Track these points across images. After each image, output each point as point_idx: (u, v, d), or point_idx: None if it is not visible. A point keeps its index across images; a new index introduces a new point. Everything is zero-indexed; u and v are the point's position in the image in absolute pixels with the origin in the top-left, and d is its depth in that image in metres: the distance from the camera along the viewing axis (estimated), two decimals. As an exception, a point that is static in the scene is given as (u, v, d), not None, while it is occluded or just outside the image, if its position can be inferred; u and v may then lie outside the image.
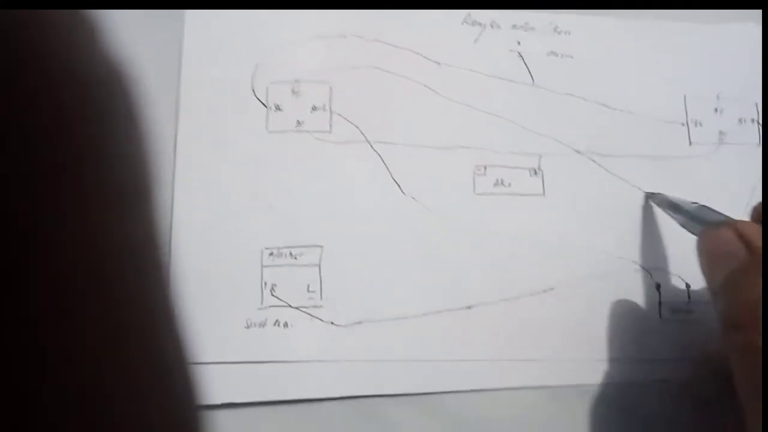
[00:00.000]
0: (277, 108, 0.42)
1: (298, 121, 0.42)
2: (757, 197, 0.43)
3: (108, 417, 0.14)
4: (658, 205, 0.42)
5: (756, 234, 0.32)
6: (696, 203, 0.39)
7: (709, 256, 0.34)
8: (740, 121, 0.45)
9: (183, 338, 0.16)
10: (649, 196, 0.43)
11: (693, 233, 0.37)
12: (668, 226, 0.42)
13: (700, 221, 0.37)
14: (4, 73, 0.12)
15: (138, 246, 0.15)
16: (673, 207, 0.40)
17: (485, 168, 0.42)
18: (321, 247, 0.40)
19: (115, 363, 0.14)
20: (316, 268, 0.39)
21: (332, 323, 0.39)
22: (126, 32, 0.39)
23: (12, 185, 0.12)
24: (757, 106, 0.45)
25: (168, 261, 0.16)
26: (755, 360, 0.29)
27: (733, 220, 0.35)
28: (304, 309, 0.39)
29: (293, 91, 0.42)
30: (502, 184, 0.42)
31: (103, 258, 0.14)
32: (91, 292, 0.14)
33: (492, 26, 0.45)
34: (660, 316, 0.40)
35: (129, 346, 0.14)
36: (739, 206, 0.43)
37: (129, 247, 0.14)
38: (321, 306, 0.39)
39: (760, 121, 0.45)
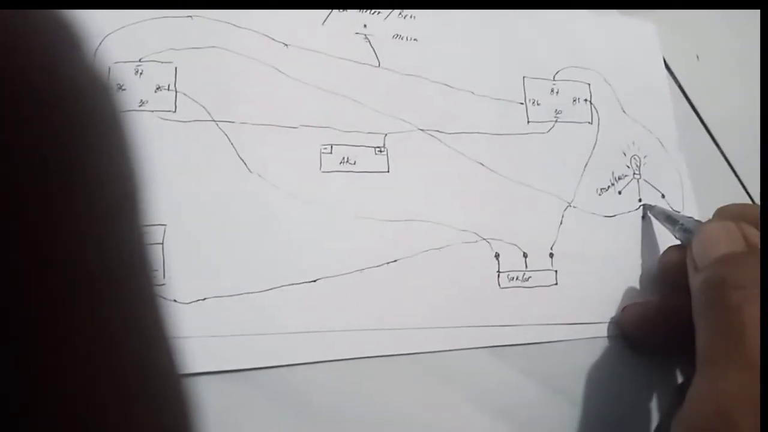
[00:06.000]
0: (120, 88, 0.41)
1: (141, 100, 0.41)
2: (590, 170, 0.46)
3: (96, 416, 0.14)
4: (655, 216, 0.45)
5: (754, 234, 0.34)
6: (691, 217, 0.41)
7: (707, 241, 0.36)
8: (574, 100, 0.48)
9: (171, 343, 0.16)
10: (648, 208, 0.45)
11: (684, 243, 0.39)
12: (508, 199, 0.44)
13: (693, 232, 0.39)
14: None
15: (126, 254, 0.15)
16: (670, 219, 0.43)
17: (331, 147, 0.43)
18: (164, 225, 0.39)
19: (105, 371, 0.14)
20: (159, 247, 0.39)
21: (175, 300, 0.38)
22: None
23: None
24: (589, 87, 0.48)
25: (154, 269, 0.16)
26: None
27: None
28: (144, 287, 0.38)
29: (136, 71, 0.42)
30: (348, 162, 0.43)
31: (91, 267, 0.14)
32: (79, 303, 0.13)
33: (339, 9, 0.46)
34: (499, 284, 0.42)
35: (117, 354, 0.14)
36: (574, 179, 0.45)
37: (117, 256, 0.14)
38: (163, 284, 0.39)
39: (593, 101, 0.48)
